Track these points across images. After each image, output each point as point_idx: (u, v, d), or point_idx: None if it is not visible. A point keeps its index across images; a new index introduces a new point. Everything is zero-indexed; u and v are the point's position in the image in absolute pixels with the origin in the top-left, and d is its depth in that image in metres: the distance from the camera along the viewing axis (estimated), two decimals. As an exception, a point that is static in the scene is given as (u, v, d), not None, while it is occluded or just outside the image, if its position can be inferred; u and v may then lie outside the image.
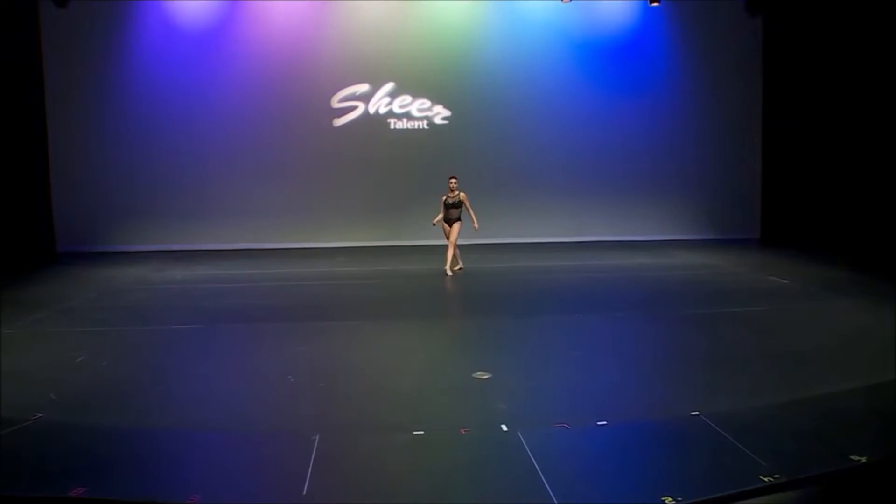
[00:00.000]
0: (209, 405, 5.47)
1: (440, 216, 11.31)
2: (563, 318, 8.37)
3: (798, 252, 13.49)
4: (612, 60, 15.93)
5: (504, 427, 4.79)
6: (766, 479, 3.95)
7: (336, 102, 15.66)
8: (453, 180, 11.23)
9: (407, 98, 15.75)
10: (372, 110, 15.72)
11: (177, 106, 15.18)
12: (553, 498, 3.78)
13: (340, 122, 15.71)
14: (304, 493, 3.93)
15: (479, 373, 6.01)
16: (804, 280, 10.38)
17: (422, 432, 4.73)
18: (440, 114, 15.83)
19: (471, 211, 11.19)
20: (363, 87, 15.69)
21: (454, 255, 11.39)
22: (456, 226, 11.20)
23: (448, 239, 11.27)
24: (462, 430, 4.76)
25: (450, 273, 11.25)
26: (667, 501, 3.71)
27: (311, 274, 12.20)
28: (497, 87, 15.77)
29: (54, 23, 14.54)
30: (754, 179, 16.17)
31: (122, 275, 12.05)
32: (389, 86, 15.70)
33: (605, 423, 4.87)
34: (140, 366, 6.61)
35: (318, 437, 4.63)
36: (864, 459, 4.15)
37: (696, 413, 4.96)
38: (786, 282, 10.35)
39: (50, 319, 8.54)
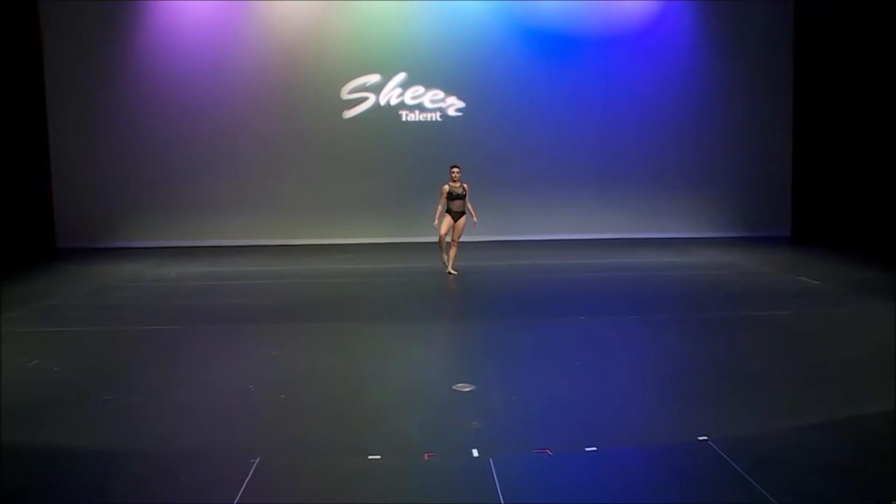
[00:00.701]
0: (152, 420, 4.86)
1: (440, 209, 10.43)
2: (568, 321, 7.62)
3: (831, 251, 12.57)
4: (634, 50, 15.08)
5: (475, 452, 4.11)
6: (782, 527, 3.22)
7: (345, 94, 15.02)
8: (456, 170, 10.39)
9: (419, 89, 15.06)
10: (383, 102, 15.05)
11: (181, 99, 14.68)
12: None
13: (350, 114, 15.08)
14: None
15: (460, 384, 5.33)
16: (837, 281, 9.52)
17: (378, 457, 4.07)
18: (454, 105, 15.12)
19: (469, 204, 10.45)
20: (374, 78, 15.04)
21: (451, 255, 10.59)
22: (462, 221, 10.38)
23: (448, 233, 10.41)
24: (426, 456, 4.08)
25: (454, 272, 10.52)
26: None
27: (311, 271, 11.60)
28: (513, 77, 15.00)
29: (55, 19, 14.19)
30: (785, 174, 15.24)
31: (116, 271, 11.58)
32: (401, 76, 15.03)
33: (594, 448, 4.15)
34: (96, 372, 6.04)
35: (257, 461, 3.99)
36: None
37: (705, 438, 4.23)
38: (817, 283, 9.50)
39: (24, 318, 8.05)
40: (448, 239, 10.49)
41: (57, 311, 8.54)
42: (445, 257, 10.66)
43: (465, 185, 10.42)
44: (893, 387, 5.07)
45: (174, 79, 14.64)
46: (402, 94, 15.07)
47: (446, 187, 10.38)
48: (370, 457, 4.06)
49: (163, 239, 14.57)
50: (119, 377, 5.86)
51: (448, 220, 10.39)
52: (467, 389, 5.25)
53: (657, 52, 15.10)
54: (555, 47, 15.02)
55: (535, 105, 15.02)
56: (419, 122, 15.14)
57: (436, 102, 15.14)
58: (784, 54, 15.04)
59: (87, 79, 14.43)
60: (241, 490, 3.66)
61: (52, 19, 14.21)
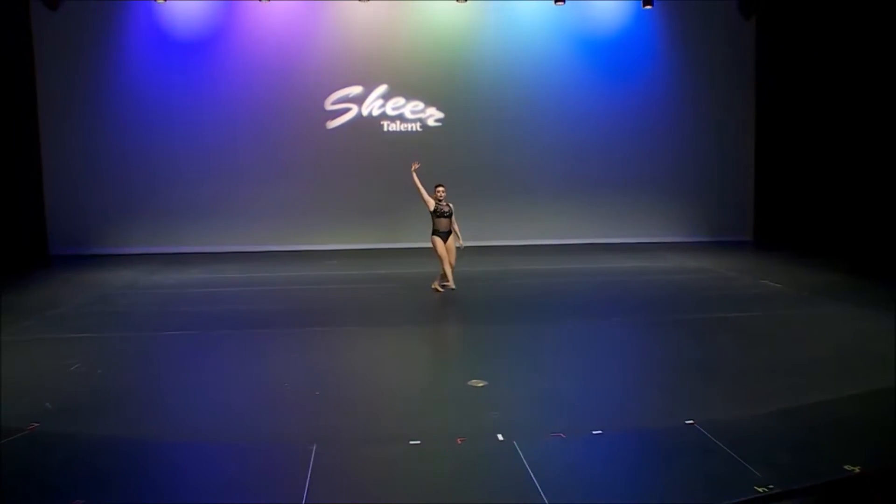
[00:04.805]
0: (204, 414, 5.45)
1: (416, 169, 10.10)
2: (556, 325, 8.35)
3: (792, 255, 13.47)
4: (604, 61, 15.93)
5: (500, 437, 4.80)
6: (760, 490, 3.99)
7: (329, 105, 15.62)
8: (441, 189, 9.88)
9: (400, 100, 15.74)
10: (365, 112, 15.69)
11: (171, 107, 15.10)
12: (550, 509, 3.80)
13: (333, 124, 15.67)
14: (304, 502, 3.94)
15: (474, 380, 6.02)
16: (798, 284, 10.38)
17: (418, 442, 4.73)
18: (433, 116, 15.82)
19: (456, 224, 10.02)
20: (356, 90, 15.66)
21: (445, 273, 10.14)
22: (451, 242, 10.10)
23: (439, 252, 9.96)
24: (458, 440, 4.76)
25: (453, 286, 10.14)
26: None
27: (302, 278, 12.15)
28: (490, 89, 15.77)
29: (46, 24, 14.51)
30: (747, 180, 16.26)
31: (114, 279, 11.94)
32: (383, 88, 15.68)
33: (600, 431, 4.89)
34: (133, 374, 6.58)
35: (315, 447, 4.63)
36: (857, 469, 4.18)
37: (692, 422, 4.98)
38: (779, 286, 10.38)
39: (40, 326, 8.41)
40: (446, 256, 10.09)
41: (67, 319, 8.86)
42: (442, 277, 10.16)
43: (451, 205, 10.00)
44: (847, 377, 5.97)
45: (165, 87, 15.04)
46: (383, 106, 15.72)
47: (433, 201, 10.01)
48: (412, 442, 4.73)
49: (151, 245, 14.98)
50: (154, 378, 6.43)
51: (440, 241, 10.00)
52: (481, 385, 5.94)
53: (628, 62, 15.94)
54: (528, 60, 15.78)
55: (509, 116, 15.74)
56: (400, 132, 15.78)
57: (416, 113, 15.80)
58: (747, 66, 16.02)
59: (79, 84, 14.75)
60: (310, 469, 4.30)
61: (44, 23, 14.50)
